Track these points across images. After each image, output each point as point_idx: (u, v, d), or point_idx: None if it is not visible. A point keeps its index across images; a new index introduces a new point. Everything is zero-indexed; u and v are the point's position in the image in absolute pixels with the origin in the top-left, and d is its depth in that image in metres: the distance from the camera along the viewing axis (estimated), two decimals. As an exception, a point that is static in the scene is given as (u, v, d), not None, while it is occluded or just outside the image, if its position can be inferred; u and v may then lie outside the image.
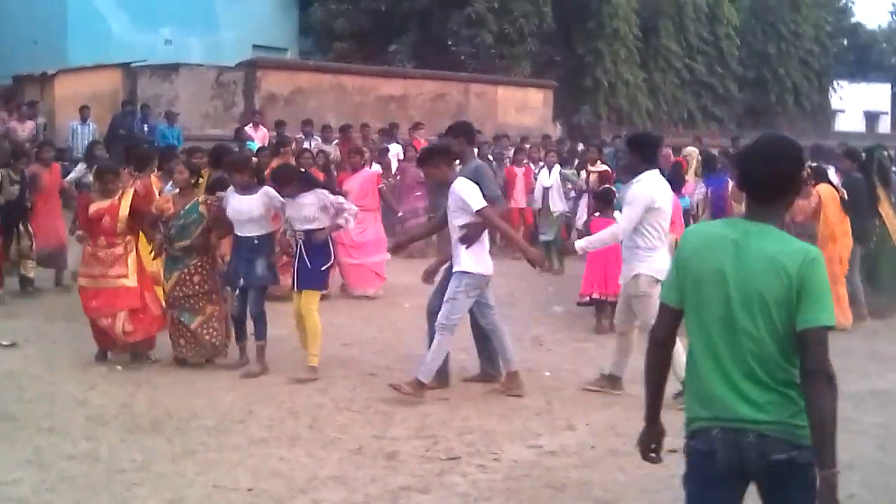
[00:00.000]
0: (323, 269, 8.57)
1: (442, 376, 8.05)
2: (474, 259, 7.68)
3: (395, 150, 17.54)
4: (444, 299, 7.77)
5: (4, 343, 9.31)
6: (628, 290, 7.80)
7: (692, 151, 16.71)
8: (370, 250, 12.27)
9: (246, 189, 8.60)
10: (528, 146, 17.95)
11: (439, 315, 7.80)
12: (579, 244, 8.42)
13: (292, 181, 8.54)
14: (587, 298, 10.59)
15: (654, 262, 7.48)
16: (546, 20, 26.65)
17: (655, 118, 30.35)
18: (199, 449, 6.48)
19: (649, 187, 7.60)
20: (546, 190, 14.99)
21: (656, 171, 7.81)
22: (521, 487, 5.87)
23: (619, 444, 6.67)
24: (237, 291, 8.66)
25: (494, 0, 25.67)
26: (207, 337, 8.69)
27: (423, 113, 22.71)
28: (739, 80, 33.34)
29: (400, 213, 15.01)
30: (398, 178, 16.64)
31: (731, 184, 10.04)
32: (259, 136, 18.18)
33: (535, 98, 25.94)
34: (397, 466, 6.21)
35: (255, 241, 8.54)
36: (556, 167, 15.18)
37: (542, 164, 15.92)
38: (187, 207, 8.68)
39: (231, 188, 8.78)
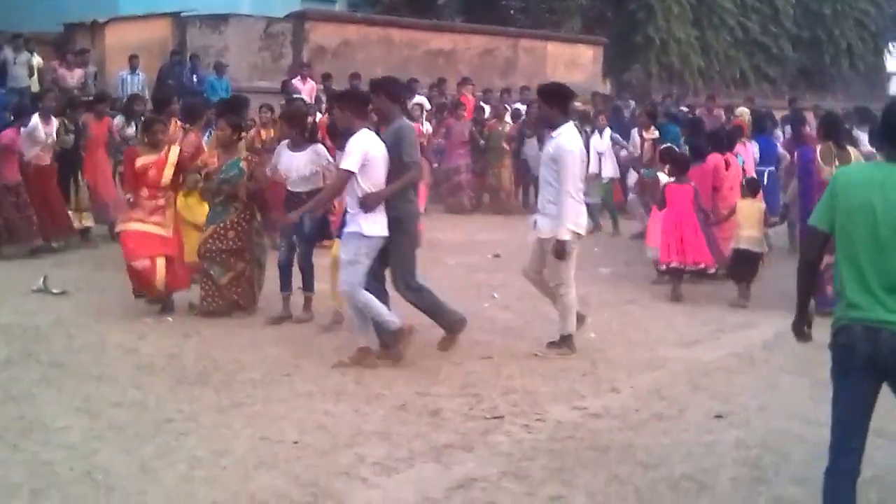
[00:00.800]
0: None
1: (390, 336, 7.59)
2: (373, 222, 7.32)
3: (419, 100, 17.43)
4: (346, 262, 7.41)
5: (55, 291, 9.45)
6: (545, 245, 7.77)
7: (743, 111, 16.44)
8: None
9: (297, 146, 8.65)
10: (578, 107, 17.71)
11: (341, 282, 7.54)
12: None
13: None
14: (665, 267, 10.37)
15: (579, 217, 7.60)
16: (598, -26, 26.27)
17: (707, 77, 29.90)
18: (246, 401, 6.54)
19: (574, 140, 7.59)
20: (599, 155, 14.49)
21: (571, 123, 7.82)
22: (565, 448, 5.86)
23: (664, 408, 6.65)
24: (284, 242, 8.77)
25: (547, -46, 25.32)
26: (234, 295, 8.82)
27: (471, 68, 22.56)
28: (793, 39, 32.69)
29: (436, 165, 14.80)
30: (444, 133, 16.61)
31: (818, 148, 9.92)
32: (306, 89, 18.15)
33: (584, 54, 25.67)
34: (441, 423, 6.23)
35: (303, 197, 8.57)
36: (607, 130, 14.85)
37: (592, 127, 15.19)
38: (229, 163, 8.73)
39: (284, 143, 8.84)
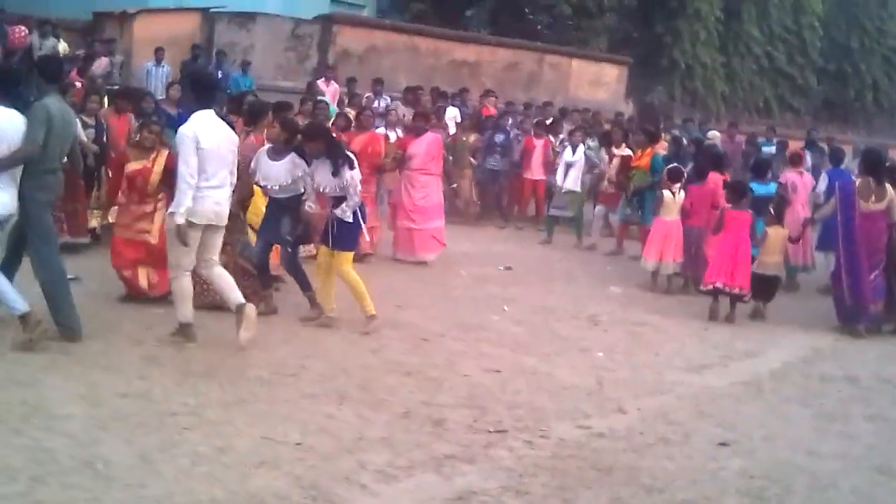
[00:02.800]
0: (354, 230, 8.57)
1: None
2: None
3: (452, 114, 17.46)
4: None
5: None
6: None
7: (716, 135, 17.41)
8: (432, 215, 12.20)
9: (278, 154, 8.67)
10: (550, 120, 17.78)
11: None
12: None
13: (320, 141, 8.48)
14: (710, 286, 10.49)
15: (195, 204, 7.37)
16: (627, -5, 26.19)
17: (731, 103, 29.88)
18: (250, 399, 6.51)
19: (192, 125, 7.45)
20: (568, 167, 14.71)
21: (210, 112, 7.71)
22: (567, 467, 5.82)
23: (669, 432, 6.60)
24: (259, 243, 8.86)
25: (576, -29, 25.21)
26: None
27: (495, 81, 22.53)
28: (819, 71, 32.69)
29: (455, 185, 14.91)
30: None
31: (857, 181, 10.40)
32: (330, 92, 18.15)
33: (609, 73, 25.64)
34: (443, 434, 6.19)
35: (283, 202, 8.70)
36: (581, 146, 14.83)
37: (564, 139, 16.07)
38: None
39: (264, 150, 8.84)
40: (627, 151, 14.40)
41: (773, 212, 10.93)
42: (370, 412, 6.46)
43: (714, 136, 17.32)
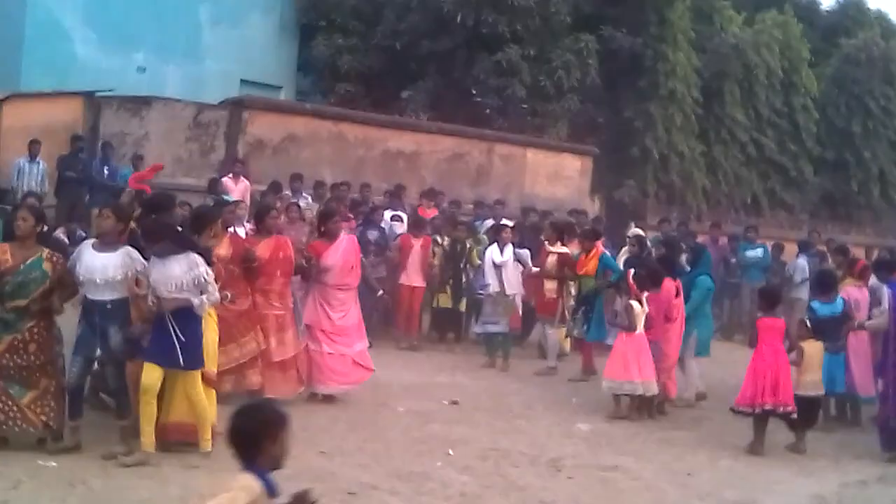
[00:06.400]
0: (200, 344, 8.84)
1: None
2: None
3: (387, 217, 17.85)
4: None
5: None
6: None
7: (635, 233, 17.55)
8: (353, 336, 12.13)
9: (106, 245, 8.81)
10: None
11: None
12: None
13: (165, 237, 8.76)
14: (751, 409, 10.90)
15: None
16: (590, 74, 26.27)
17: (713, 199, 30.14)
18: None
19: None
20: (499, 269, 15.09)
21: None
22: None
23: None
24: (78, 361, 8.88)
25: (530, 46, 25.55)
26: (41, 415, 8.78)
27: (437, 175, 22.83)
28: (816, 161, 33.06)
29: (381, 293, 14.89)
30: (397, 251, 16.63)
31: None
32: (239, 190, 18.21)
33: (570, 165, 25.93)
34: None
35: (108, 307, 8.75)
36: (510, 245, 15.31)
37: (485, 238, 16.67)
38: (28, 262, 8.78)
39: (87, 242, 9.06)
40: (563, 249, 14.91)
41: (807, 325, 11.49)
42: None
43: (635, 233, 17.47)
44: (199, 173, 20.23)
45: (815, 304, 11.84)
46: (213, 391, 9.36)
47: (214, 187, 17.73)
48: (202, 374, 9.13)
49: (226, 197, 16.53)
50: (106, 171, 18.96)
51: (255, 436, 4.41)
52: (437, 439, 10.54)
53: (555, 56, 25.81)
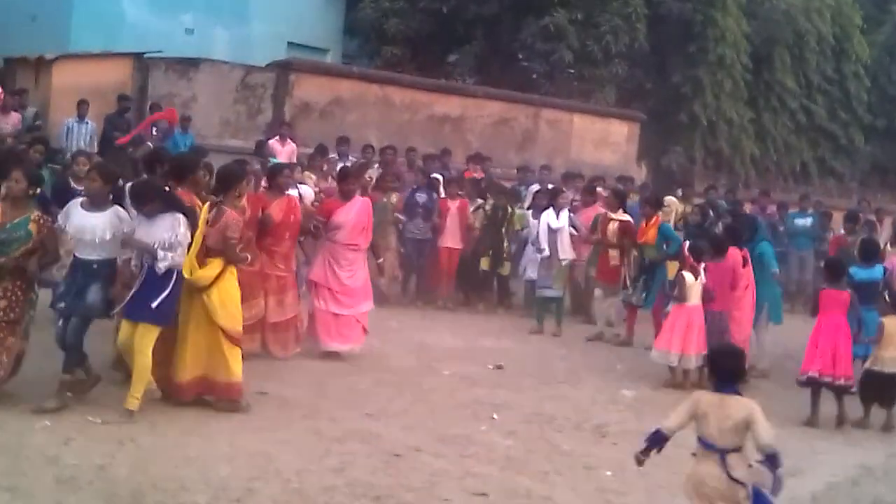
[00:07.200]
0: (159, 301, 8.76)
1: None
2: None
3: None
4: None
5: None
6: None
7: (671, 201, 17.52)
8: (360, 298, 12.13)
9: (94, 205, 8.87)
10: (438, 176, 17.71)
11: None
12: None
13: (154, 199, 8.83)
14: (805, 377, 10.95)
15: None
16: (638, 39, 26.11)
17: (761, 167, 29.98)
18: (186, 531, 6.48)
19: None
20: (554, 233, 14.93)
21: None
22: None
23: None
24: (60, 317, 8.95)
25: (578, 10, 25.37)
26: None
27: (482, 139, 22.81)
28: (866, 129, 32.83)
29: (381, 260, 14.69)
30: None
31: None
32: (285, 152, 18.28)
33: (617, 131, 25.82)
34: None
35: (94, 266, 8.82)
36: (566, 211, 15.18)
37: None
38: (15, 221, 8.81)
39: (77, 201, 9.07)
40: (626, 217, 14.87)
41: (887, 299, 11.35)
42: (331, 547, 6.44)
43: (670, 202, 17.37)
44: (246, 135, 20.32)
45: (854, 269, 11.75)
46: (238, 349, 9.36)
47: (261, 149, 17.76)
48: (224, 332, 9.20)
49: (272, 159, 16.56)
50: (154, 132, 18.99)
51: None
52: (482, 403, 10.55)
53: (602, 20, 25.62)
